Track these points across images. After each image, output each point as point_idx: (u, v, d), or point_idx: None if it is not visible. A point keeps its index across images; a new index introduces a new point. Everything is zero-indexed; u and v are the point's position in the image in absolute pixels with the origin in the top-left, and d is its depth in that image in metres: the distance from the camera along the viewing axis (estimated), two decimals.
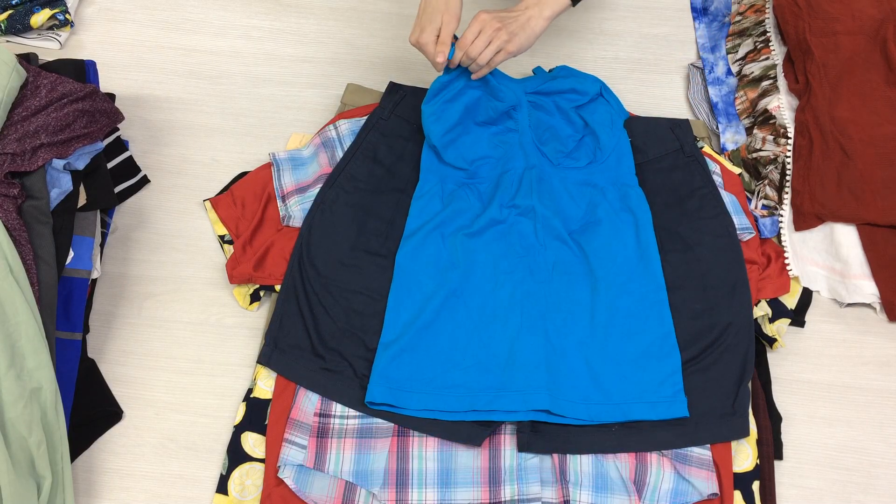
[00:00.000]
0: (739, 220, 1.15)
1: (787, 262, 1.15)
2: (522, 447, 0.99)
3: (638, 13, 1.45)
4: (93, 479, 1.02)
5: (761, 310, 1.10)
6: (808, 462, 1.06)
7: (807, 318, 1.15)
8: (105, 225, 1.17)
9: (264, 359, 1.05)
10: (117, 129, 1.22)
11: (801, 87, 1.25)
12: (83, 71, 1.18)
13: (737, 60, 1.35)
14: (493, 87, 1.15)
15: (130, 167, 1.22)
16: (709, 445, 1.00)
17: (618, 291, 1.08)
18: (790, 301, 1.13)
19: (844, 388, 1.12)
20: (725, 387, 1.03)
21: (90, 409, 1.04)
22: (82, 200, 1.09)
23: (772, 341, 1.10)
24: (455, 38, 1.10)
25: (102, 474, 1.03)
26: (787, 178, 1.20)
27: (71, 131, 1.06)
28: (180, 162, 1.27)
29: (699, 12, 1.45)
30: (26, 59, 1.16)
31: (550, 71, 1.28)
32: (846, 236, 1.16)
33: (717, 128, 1.30)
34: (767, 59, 1.31)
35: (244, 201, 1.18)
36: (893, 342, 1.15)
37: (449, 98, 1.15)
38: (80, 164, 1.08)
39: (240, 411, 1.04)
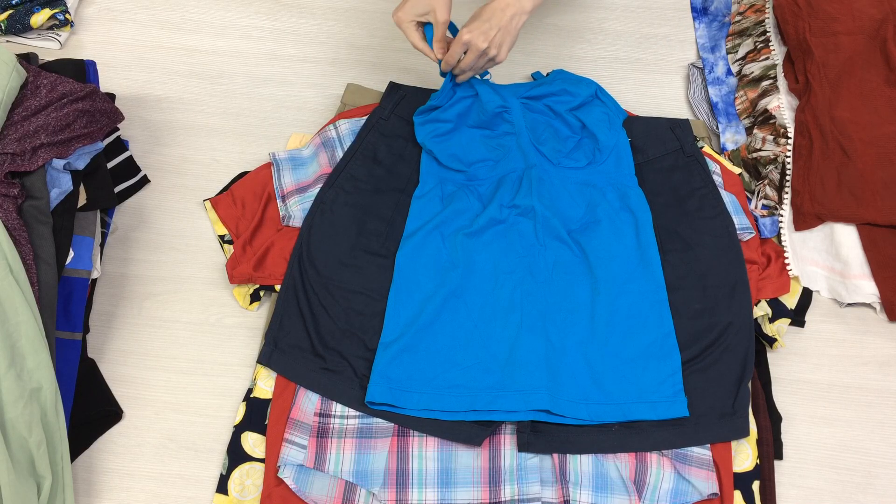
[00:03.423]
0: (739, 220, 1.15)
1: (787, 262, 1.15)
2: (522, 447, 0.99)
3: (638, 13, 1.45)
4: (93, 479, 1.02)
5: (761, 310, 1.10)
6: (808, 462, 1.06)
7: (807, 318, 1.15)
8: (105, 225, 1.17)
9: (264, 359, 1.05)
10: (117, 129, 1.22)
11: (801, 87, 1.25)
12: (83, 71, 1.18)
13: (737, 60, 1.35)
14: (481, 93, 1.16)
15: (130, 167, 1.22)
16: (709, 445, 1.00)
17: (618, 291, 1.08)
18: (790, 301, 1.13)
19: (844, 388, 1.12)
20: (725, 387, 1.03)
21: (90, 409, 1.04)
22: (82, 200, 1.09)
23: (772, 341, 1.10)
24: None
25: (102, 474, 1.03)
26: (787, 178, 1.20)
27: (71, 131, 1.06)
28: (180, 162, 1.27)
29: (699, 12, 1.45)
30: (26, 59, 1.16)
31: (547, 75, 1.28)
32: (846, 236, 1.15)
33: (717, 128, 1.30)
34: (767, 59, 1.31)
35: (244, 201, 1.18)
36: (893, 342, 1.15)
37: (441, 108, 1.16)
38: (80, 164, 1.08)
39: (240, 411, 1.04)
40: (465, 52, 1.08)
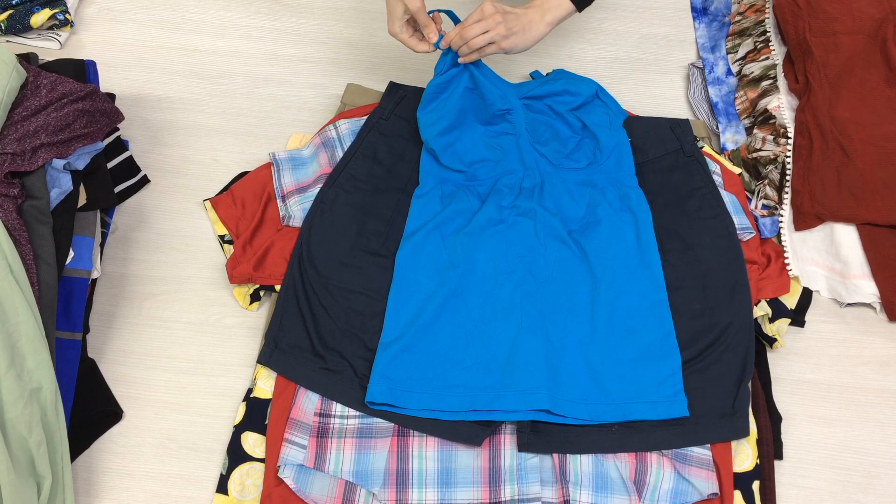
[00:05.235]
0: (739, 220, 1.15)
1: (787, 262, 1.15)
2: (522, 447, 0.99)
3: (638, 13, 1.45)
4: (93, 479, 1.03)
5: (761, 310, 1.10)
6: (808, 462, 1.06)
7: (807, 318, 1.15)
8: (105, 225, 1.17)
9: (264, 359, 1.05)
10: (117, 129, 1.22)
11: (801, 87, 1.25)
12: (83, 71, 1.18)
13: (737, 60, 1.35)
14: (484, 91, 1.15)
15: (130, 167, 1.22)
16: (709, 445, 1.00)
17: (618, 291, 1.08)
18: (790, 301, 1.13)
19: (844, 388, 1.12)
20: (725, 387, 1.03)
21: (90, 409, 1.04)
22: (82, 200, 1.09)
23: (772, 341, 1.10)
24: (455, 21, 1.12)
25: (102, 474, 1.03)
26: (787, 178, 1.20)
27: (71, 131, 1.06)
28: (180, 162, 1.27)
29: (699, 12, 1.45)
30: (26, 59, 1.16)
31: (547, 74, 1.28)
32: (846, 236, 1.15)
33: (717, 128, 1.30)
34: (767, 59, 1.31)
35: (244, 201, 1.18)
36: (893, 342, 1.15)
37: (443, 103, 1.15)
38: (80, 164, 1.08)
39: (240, 411, 1.04)
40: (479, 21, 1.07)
